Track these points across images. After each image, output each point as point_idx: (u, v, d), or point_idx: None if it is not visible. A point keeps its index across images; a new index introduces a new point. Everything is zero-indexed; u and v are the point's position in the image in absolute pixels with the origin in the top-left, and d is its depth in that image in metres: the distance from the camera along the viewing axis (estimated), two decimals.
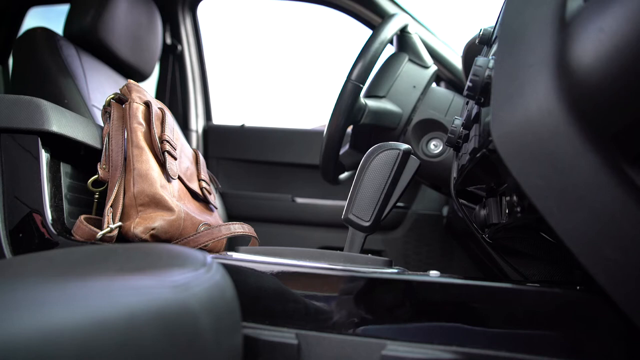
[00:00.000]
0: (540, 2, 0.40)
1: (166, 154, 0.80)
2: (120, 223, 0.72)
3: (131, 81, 0.84)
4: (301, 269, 0.52)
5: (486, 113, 0.44)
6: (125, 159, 0.76)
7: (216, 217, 0.92)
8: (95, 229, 0.70)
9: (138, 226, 0.71)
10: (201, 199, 0.90)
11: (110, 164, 0.75)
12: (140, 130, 0.78)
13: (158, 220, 0.73)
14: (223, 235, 0.79)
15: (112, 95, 0.81)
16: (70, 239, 0.68)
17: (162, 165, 0.79)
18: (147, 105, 0.81)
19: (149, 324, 0.33)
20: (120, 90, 0.82)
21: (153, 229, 0.72)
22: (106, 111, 0.80)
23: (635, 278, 0.36)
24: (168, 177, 0.79)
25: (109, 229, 0.69)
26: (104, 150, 0.77)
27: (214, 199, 0.95)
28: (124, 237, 0.73)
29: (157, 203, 0.74)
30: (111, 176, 0.75)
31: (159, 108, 0.84)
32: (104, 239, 0.69)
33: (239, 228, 0.83)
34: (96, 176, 0.75)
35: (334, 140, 0.94)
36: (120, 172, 0.75)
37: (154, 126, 0.80)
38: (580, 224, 0.37)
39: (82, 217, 0.71)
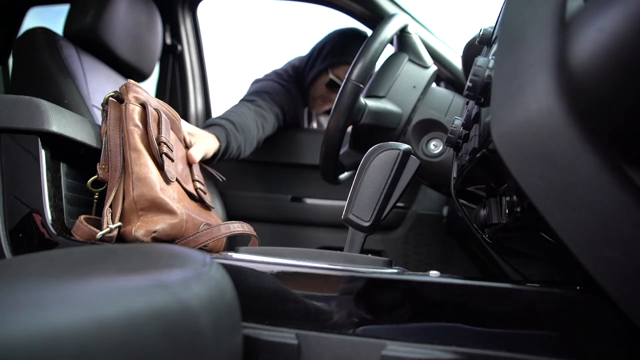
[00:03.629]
0: (540, 2, 0.40)
1: (164, 156, 0.78)
2: (119, 223, 0.72)
3: (130, 81, 0.82)
4: (301, 269, 0.52)
5: (486, 113, 0.44)
6: (123, 160, 0.76)
7: (214, 216, 0.92)
8: (94, 229, 0.70)
9: (139, 229, 0.71)
10: (197, 199, 0.89)
11: (109, 164, 0.75)
12: (137, 133, 0.76)
13: (160, 224, 0.72)
14: (222, 234, 0.79)
15: (111, 94, 0.80)
16: (70, 239, 0.68)
17: (161, 167, 0.78)
18: (143, 106, 0.80)
19: (149, 324, 0.33)
20: (120, 89, 0.81)
21: (155, 231, 0.72)
22: (104, 109, 0.79)
23: (635, 278, 0.36)
24: (167, 180, 0.78)
25: (108, 229, 0.69)
26: (102, 150, 0.76)
27: (210, 199, 0.95)
28: (124, 240, 0.72)
29: (158, 207, 0.74)
30: (110, 176, 0.74)
31: (154, 109, 0.82)
32: (103, 239, 0.69)
33: (238, 227, 0.82)
34: (96, 176, 0.74)
35: (334, 140, 0.94)
36: (120, 172, 0.74)
37: (151, 128, 0.78)
38: (580, 224, 0.37)
39: (81, 217, 0.71)
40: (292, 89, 1.48)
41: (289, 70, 1.53)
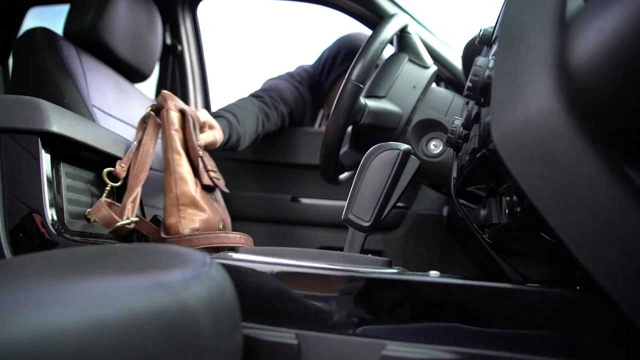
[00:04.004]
0: (540, 2, 0.40)
1: (199, 159, 0.89)
2: (137, 218, 0.78)
3: (165, 91, 0.90)
4: (301, 269, 0.52)
5: (486, 113, 0.44)
6: (166, 163, 0.86)
7: (223, 206, 1.00)
8: (116, 216, 0.75)
9: (186, 228, 0.84)
10: (213, 189, 0.97)
11: (134, 166, 0.83)
12: (178, 137, 0.87)
13: (197, 221, 0.84)
14: (217, 243, 0.83)
15: (151, 107, 0.89)
16: (71, 239, 0.68)
17: (196, 169, 0.89)
18: (183, 113, 0.89)
19: (149, 324, 0.33)
20: (157, 100, 0.90)
21: (196, 229, 0.84)
22: (144, 121, 0.88)
23: (635, 278, 0.36)
24: (198, 181, 0.88)
25: (128, 220, 0.76)
26: (129, 152, 0.85)
27: (223, 183, 1.02)
28: (167, 229, 0.84)
29: (195, 204, 0.85)
30: (134, 176, 0.82)
31: (190, 115, 0.90)
32: (120, 229, 0.75)
33: (238, 239, 0.86)
34: (113, 169, 0.82)
35: (334, 140, 0.94)
36: (145, 175, 0.81)
37: (192, 133, 0.89)
38: (580, 224, 0.37)
39: (103, 200, 0.76)
40: (302, 91, 1.53)
41: (302, 74, 1.58)
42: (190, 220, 0.84)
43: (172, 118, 0.87)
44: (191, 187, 0.85)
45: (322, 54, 1.59)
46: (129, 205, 0.78)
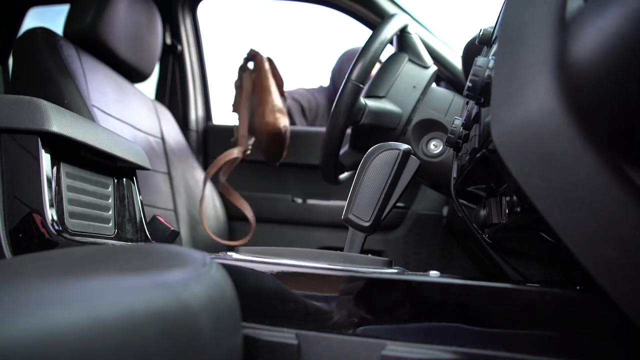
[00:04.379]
0: (540, 2, 0.40)
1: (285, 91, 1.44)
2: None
3: (252, 47, 1.41)
4: (301, 269, 0.52)
5: (486, 113, 0.44)
6: (263, 89, 1.38)
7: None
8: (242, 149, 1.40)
9: (281, 123, 1.34)
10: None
11: (240, 105, 1.41)
12: (270, 75, 1.39)
13: (286, 121, 1.37)
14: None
15: (244, 59, 1.42)
16: (71, 239, 0.68)
17: (282, 95, 1.42)
18: (270, 59, 1.43)
19: (149, 324, 0.33)
20: (248, 53, 1.42)
21: (286, 126, 1.36)
22: (241, 68, 1.42)
23: (635, 278, 0.36)
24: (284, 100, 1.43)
25: (249, 149, 1.41)
26: (236, 95, 1.43)
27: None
28: (269, 127, 1.35)
29: (283, 112, 1.37)
30: (241, 114, 1.41)
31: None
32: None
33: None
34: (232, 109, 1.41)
35: (334, 140, 0.94)
36: (248, 106, 1.40)
37: (278, 72, 1.41)
38: (580, 224, 0.37)
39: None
40: (317, 95, 1.81)
41: (321, 87, 1.87)
42: (283, 120, 1.34)
43: (264, 63, 1.39)
44: (281, 102, 1.37)
45: (330, 73, 1.85)
46: (247, 137, 1.41)
